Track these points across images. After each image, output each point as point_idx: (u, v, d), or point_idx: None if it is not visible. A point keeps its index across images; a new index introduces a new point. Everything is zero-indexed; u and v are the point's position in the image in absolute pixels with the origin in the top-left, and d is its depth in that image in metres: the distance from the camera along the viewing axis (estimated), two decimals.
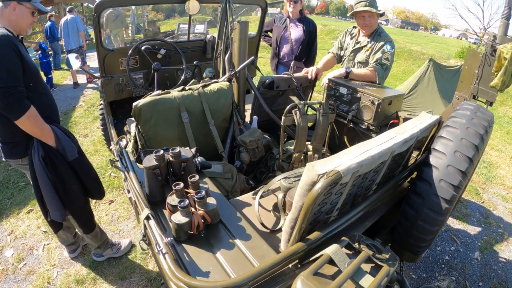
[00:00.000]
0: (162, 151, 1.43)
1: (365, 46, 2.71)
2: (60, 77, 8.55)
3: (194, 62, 3.25)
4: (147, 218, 1.32)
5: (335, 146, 2.80)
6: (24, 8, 1.76)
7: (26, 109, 1.64)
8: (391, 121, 2.48)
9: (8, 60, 1.57)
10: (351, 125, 2.54)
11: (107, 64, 2.99)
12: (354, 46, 2.80)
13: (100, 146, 4.42)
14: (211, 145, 2.31)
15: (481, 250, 3.02)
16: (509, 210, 3.75)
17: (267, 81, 2.70)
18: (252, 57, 2.41)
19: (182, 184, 1.31)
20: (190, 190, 1.34)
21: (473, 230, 3.33)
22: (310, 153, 2.38)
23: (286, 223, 1.30)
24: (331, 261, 1.12)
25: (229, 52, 2.37)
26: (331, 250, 1.13)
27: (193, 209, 1.28)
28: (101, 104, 3.69)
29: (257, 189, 1.75)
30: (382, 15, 2.65)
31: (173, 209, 1.28)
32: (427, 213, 1.58)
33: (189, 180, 1.34)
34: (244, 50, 2.32)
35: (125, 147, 2.46)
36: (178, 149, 1.46)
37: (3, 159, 1.94)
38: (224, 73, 2.48)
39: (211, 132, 2.25)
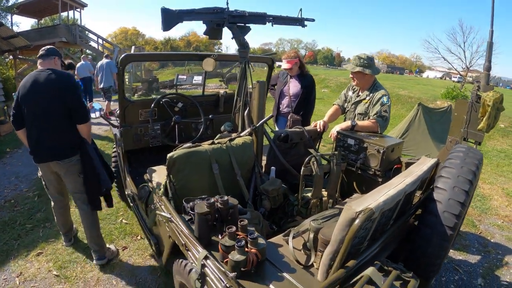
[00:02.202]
0: (212, 199, 1.65)
1: (364, 99, 3.06)
2: None
3: (210, 116, 3.49)
4: (206, 258, 1.49)
5: (344, 192, 2.96)
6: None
7: (89, 119, 2.73)
8: (395, 166, 2.74)
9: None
10: (359, 172, 2.77)
11: (127, 114, 3.19)
12: (355, 99, 3.15)
13: None
14: (237, 194, 2.46)
15: (483, 277, 3.22)
16: (506, 237, 4.02)
17: (282, 135, 2.95)
18: (271, 114, 2.65)
19: (234, 228, 1.51)
20: (239, 232, 1.55)
21: (473, 259, 3.50)
22: (324, 198, 2.54)
23: (324, 256, 1.52)
24: (369, 282, 1.37)
25: (248, 108, 2.61)
26: (370, 271, 1.39)
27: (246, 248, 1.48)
28: (114, 151, 3.83)
29: (286, 231, 1.94)
30: (376, 73, 2.98)
31: (227, 249, 1.46)
32: (436, 241, 1.85)
33: (239, 223, 1.55)
34: (263, 106, 2.55)
35: (149, 195, 2.59)
36: (226, 197, 1.68)
37: (60, 161, 2.67)
38: (242, 128, 2.70)
39: (238, 182, 2.42)
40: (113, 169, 3.86)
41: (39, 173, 2.92)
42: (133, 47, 16.89)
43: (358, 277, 1.39)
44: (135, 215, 3.07)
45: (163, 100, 3.26)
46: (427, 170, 2.02)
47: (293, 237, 1.85)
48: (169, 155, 2.12)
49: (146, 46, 42.80)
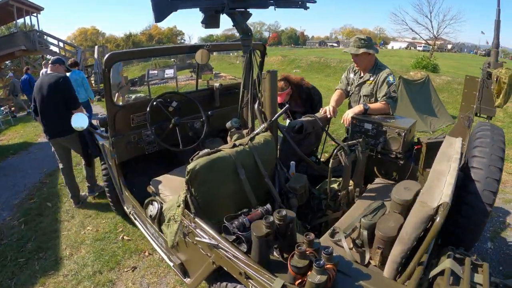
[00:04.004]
0: (271, 218, 1.44)
1: (368, 80, 2.96)
2: (33, 134, 8.06)
3: (209, 113, 3.21)
4: (284, 286, 1.34)
5: (365, 178, 2.85)
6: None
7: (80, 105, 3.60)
8: (416, 147, 2.67)
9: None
10: (379, 156, 2.69)
11: (118, 121, 2.86)
12: (358, 81, 3.05)
13: (99, 208, 4.14)
14: (265, 197, 2.27)
15: (491, 240, 3.36)
16: (502, 200, 4.13)
17: (296, 126, 2.77)
18: (287, 105, 2.42)
19: (304, 246, 1.36)
20: (308, 248, 1.40)
21: None
22: (350, 188, 2.47)
23: (394, 254, 1.49)
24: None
25: (257, 101, 2.37)
26: (450, 264, 1.38)
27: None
28: (103, 164, 3.49)
29: (330, 231, 1.95)
30: (370, 53, 2.85)
31: (299, 270, 1.33)
32: (477, 218, 1.90)
33: (305, 238, 1.42)
34: (275, 98, 2.32)
35: (160, 211, 2.32)
36: (284, 211, 1.48)
37: (63, 137, 3.74)
38: (253, 123, 2.46)
39: (267, 184, 2.20)
40: (104, 185, 3.55)
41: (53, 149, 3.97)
42: (96, 47, 15.85)
43: (438, 270, 1.37)
44: (144, 233, 2.79)
45: (157, 100, 2.94)
46: (460, 151, 2.03)
47: (345, 237, 1.84)
48: (189, 167, 1.83)
49: (108, 44, 40.90)
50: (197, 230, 1.81)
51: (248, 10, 2.24)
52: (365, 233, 1.75)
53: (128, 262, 3.08)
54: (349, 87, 3.20)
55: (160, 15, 1.98)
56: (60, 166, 4.07)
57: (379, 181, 2.71)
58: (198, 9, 2.14)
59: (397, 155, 2.58)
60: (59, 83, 3.58)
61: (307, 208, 2.52)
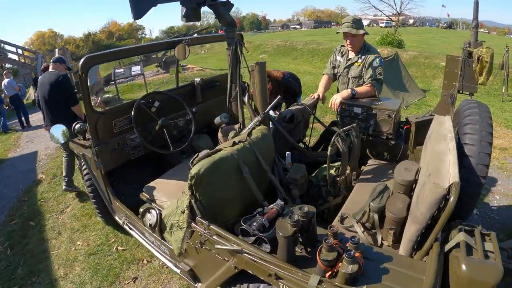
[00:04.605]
0: (296, 216, 1.45)
1: (356, 62, 2.98)
2: (2, 150, 7.55)
3: (194, 109, 3.11)
4: (320, 282, 1.35)
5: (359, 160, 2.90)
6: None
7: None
8: (405, 127, 2.72)
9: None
10: (370, 139, 2.76)
11: (100, 129, 2.71)
12: (346, 63, 3.06)
13: (86, 220, 3.96)
14: (269, 192, 2.25)
15: (476, 207, 3.47)
16: None
17: (287, 115, 2.75)
18: (279, 96, 2.38)
19: (331, 238, 1.41)
20: (334, 240, 1.44)
21: None
22: (347, 172, 2.51)
23: (410, 233, 1.58)
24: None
25: (247, 94, 2.31)
26: (463, 236, 1.44)
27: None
28: (87, 176, 3.31)
29: (340, 217, 2.03)
30: (365, 34, 2.90)
31: (329, 263, 1.36)
32: (472, 190, 1.94)
33: (330, 231, 1.46)
34: (265, 90, 2.27)
35: (160, 218, 2.24)
36: (305, 207, 1.51)
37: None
38: (243, 117, 2.41)
39: (270, 179, 2.18)
40: (90, 196, 3.38)
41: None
42: (56, 50, 14.98)
43: (453, 244, 1.44)
44: (142, 242, 2.68)
45: (141, 102, 2.80)
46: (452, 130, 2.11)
47: (357, 221, 1.90)
48: (193, 171, 1.76)
49: (67, 46, 38.88)
50: (213, 237, 1.76)
51: (229, 0, 2.16)
52: (375, 216, 1.84)
53: (127, 274, 2.99)
54: (336, 69, 3.21)
55: (138, 11, 1.86)
56: (64, 155, 4.38)
57: (372, 163, 2.77)
58: (175, 3, 2.05)
59: (388, 136, 2.64)
60: (59, 81, 3.89)
61: (307, 197, 2.53)
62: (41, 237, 3.78)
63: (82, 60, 2.35)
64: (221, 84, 3.55)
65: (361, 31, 2.82)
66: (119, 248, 3.33)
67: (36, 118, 10.33)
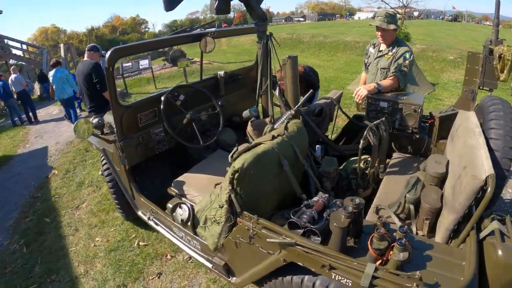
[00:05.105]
0: (350, 207, 1.49)
1: (386, 54, 3.04)
2: (12, 146, 7.52)
3: (219, 103, 3.06)
4: (376, 270, 1.38)
5: None
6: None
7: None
8: (429, 121, 2.76)
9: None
10: (395, 132, 2.78)
11: (125, 123, 2.67)
12: (377, 54, 3.13)
13: (103, 215, 3.94)
14: (304, 186, 2.25)
15: None
16: None
17: (316, 109, 2.71)
18: (311, 90, 2.34)
19: (383, 229, 1.47)
20: (383, 229, 1.50)
21: None
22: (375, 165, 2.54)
23: (447, 222, 1.68)
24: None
25: (277, 88, 2.27)
26: (497, 224, 1.54)
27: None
28: (106, 170, 3.28)
29: (375, 209, 2.08)
30: (396, 29, 2.96)
31: (380, 251, 1.44)
32: (497, 184, 1.98)
33: (379, 221, 1.51)
34: (297, 84, 2.23)
35: (193, 213, 2.21)
36: (357, 199, 1.56)
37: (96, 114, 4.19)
38: (272, 110, 2.37)
39: (306, 172, 2.20)
40: (110, 191, 3.36)
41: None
42: (61, 45, 14.93)
43: (488, 232, 1.54)
44: (170, 237, 2.65)
45: (162, 97, 2.76)
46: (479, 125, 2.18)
47: (394, 212, 1.99)
48: (236, 165, 1.74)
49: (70, 41, 38.80)
50: (262, 230, 1.75)
51: None
52: (411, 207, 1.95)
53: (151, 269, 2.96)
54: (367, 60, 3.30)
55: (171, 3, 1.83)
56: None
57: (397, 156, 2.81)
58: None
59: (413, 130, 2.67)
60: (90, 69, 4.20)
61: (337, 189, 2.56)
62: (58, 233, 3.76)
63: (109, 52, 2.29)
64: (243, 78, 3.50)
65: (392, 26, 2.85)
66: (140, 243, 3.30)
67: (44, 113, 10.33)
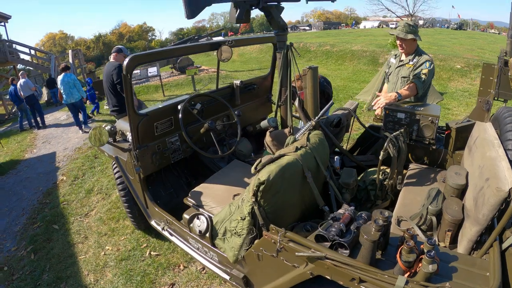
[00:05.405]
0: (381, 221, 1.50)
1: (407, 63, 3.08)
2: (19, 150, 7.54)
3: (236, 112, 3.04)
4: (407, 282, 1.37)
5: None
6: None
7: None
8: (446, 132, 2.76)
9: None
10: (412, 143, 2.77)
11: (141, 131, 2.64)
12: (399, 63, 3.20)
13: (113, 223, 3.90)
14: (325, 198, 2.23)
15: None
16: None
17: (335, 120, 2.72)
18: (331, 101, 2.32)
19: (412, 242, 1.45)
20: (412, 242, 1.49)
21: None
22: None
23: (472, 234, 1.68)
24: None
25: (297, 98, 2.24)
26: None
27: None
28: (119, 178, 3.25)
29: (396, 220, 2.06)
30: (415, 39, 2.99)
31: (409, 264, 1.43)
32: None
33: (407, 233, 1.50)
34: (317, 95, 2.21)
35: (211, 224, 2.17)
36: (386, 212, 1.56)
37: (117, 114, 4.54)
38: (291, 121, 2.34)
39: (329, 184, 2.19)
40: (122, 200, 3.32)
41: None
42: (70, 51, 15.09)
43: (510, 242, 1.52)
44: (185, 248, 2.61)
45: (187, 104, 2.75)
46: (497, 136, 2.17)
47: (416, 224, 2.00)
48: (262, 177, 1.71)
49: (78, 47, 39.35)
50: (289, 243, 1.71)
51: (280, 4, 2.10)
52: (434, 218, 1.97)
53: (164, 280, 2.91)
54: (388, 69, 3.37)
55: (192, 11, 1.83)
56: None
57: (414, 167, 2.78)
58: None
59: (430, 141, 2.68)
60: (112, 70, 4.36)
61: (355, 200, 2.56)
62: (67, 241, 3.73)
63: (127, 60, 2.26)
64: (258, 87, 3.49)
65: (410, 36, 2.89)
66: (152, 253, 3.26)
67: (51, 118, 10.38)
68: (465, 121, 2.69)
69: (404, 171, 2.72)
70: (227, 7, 2.18)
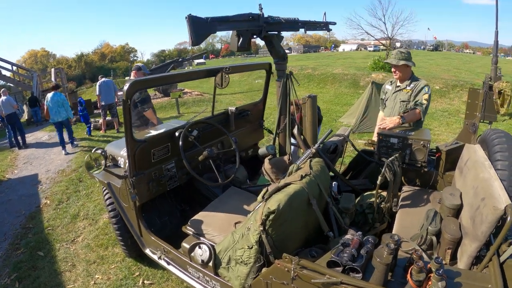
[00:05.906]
0: (393, 245, 1.56)
1: (405, 88, 3.28)
2: None
3: (233, 139, 3.06)
4: None
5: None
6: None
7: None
8: (436, 155, 2.87)
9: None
10: (405, 166, 2.86)
11: (139, 158, 2.59)
12: (395, 89, 3.38)
13: (101, 250, 3.77)
14: (329, 223, 2.26)
15: None
16: None
17: (331, 147, 2.81)
18: (330, 129, 2.39)
19: (422, 262, 1.51)
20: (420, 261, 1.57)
21: None
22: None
23: (471, 250, 1.79)
24: None
25: (296, 126, 2.30)
26: None
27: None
28: (110, 205, 3.17)
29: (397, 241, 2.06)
30: (408, 65, 3.16)
31: (420, 283, 1.49)
32: None
33: (415, 254, 1.56)
34: (315, 123, 2.28)
35: (214, 253, 2.13)
36: (396, 236, 1.62)
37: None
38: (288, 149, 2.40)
39: (332, 210, 2.23)
40: (114, 227, 3.23)
41: None
42: (52, 70, 14.87)
43: (507, 255, 1.62)
44: (184, 278, 2.54)
45: (176, 132, 2.74)
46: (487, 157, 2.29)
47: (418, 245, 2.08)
48: (271, 206, 1.74)
49: (59, 65, 38.77)
50: (303, 271, 1.71)
51: (281, 33, 2.18)
52: (434, 238, 2.08)
53: None
54: (384, 95, 3.52)
55: (198, 38, 1.87)
56: None
57: (407, 189, 2.87)
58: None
59: (421, 164, 2.77)
60: None
61: (353, 225, 2.58)
62: (53, 269, 3.57)
63: (127, 85, 2.24)
64: (252, 114, 3.54)
65: (402, 62, 3.09)
66: (145, 281, 3.15)
67: (32, 138, 10.08)
68: (454, 143, 2.83)
69: (398, 193, 2.80)
70: None
